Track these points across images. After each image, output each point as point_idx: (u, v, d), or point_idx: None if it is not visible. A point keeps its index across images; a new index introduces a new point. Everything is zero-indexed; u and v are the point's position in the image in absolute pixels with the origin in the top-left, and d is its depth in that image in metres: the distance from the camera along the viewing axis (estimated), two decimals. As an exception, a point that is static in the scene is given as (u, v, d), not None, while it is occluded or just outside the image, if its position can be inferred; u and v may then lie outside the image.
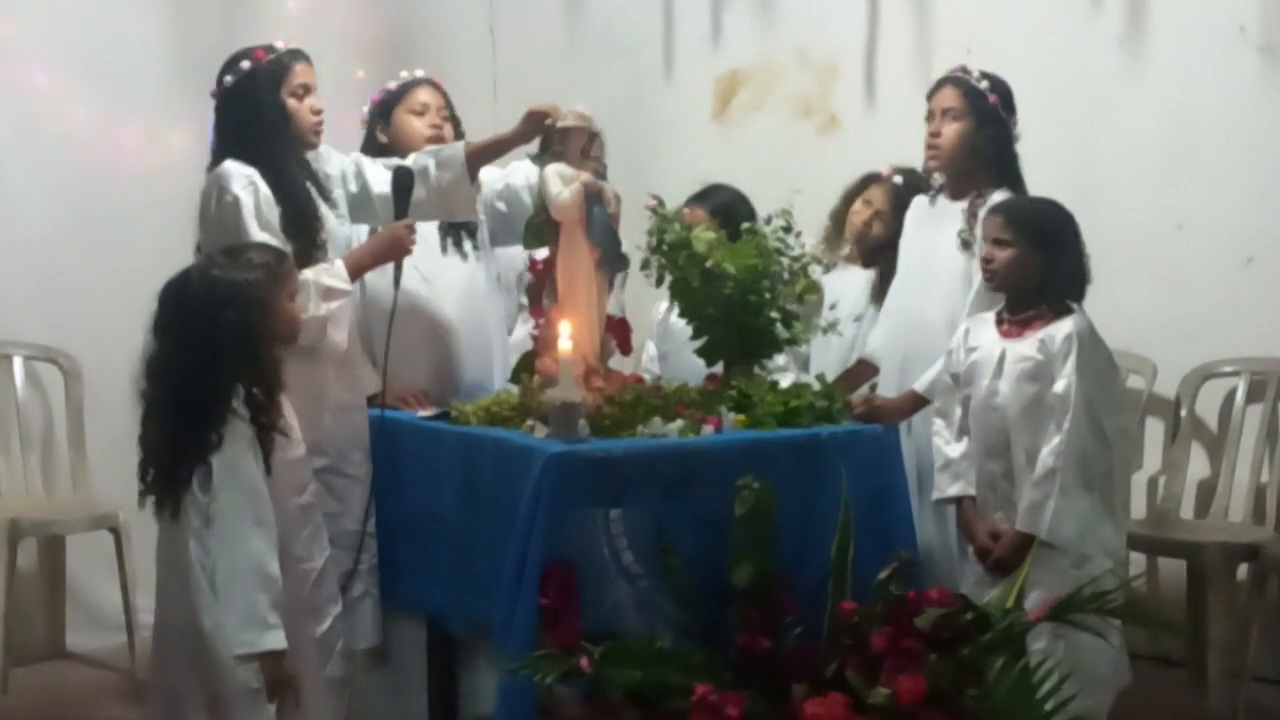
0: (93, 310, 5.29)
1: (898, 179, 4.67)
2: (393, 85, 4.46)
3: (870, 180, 4.76)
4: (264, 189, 3.88)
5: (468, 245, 4.42)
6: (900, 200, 4.55)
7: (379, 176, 4.20)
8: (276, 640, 3.17)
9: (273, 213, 3.89)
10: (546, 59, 6.37)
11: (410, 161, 4.19)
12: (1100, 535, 3.71)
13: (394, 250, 4.03)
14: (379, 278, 4.18)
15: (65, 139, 5.46)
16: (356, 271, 4.00)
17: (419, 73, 4.49)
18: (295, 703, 3.28)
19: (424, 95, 4.41)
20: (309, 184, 4.05)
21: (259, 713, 3.19)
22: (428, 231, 4.32)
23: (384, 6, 6.37)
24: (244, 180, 3.88)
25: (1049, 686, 3.26)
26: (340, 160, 4.22)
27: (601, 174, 3.95)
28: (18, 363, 5.36)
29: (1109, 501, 3.74)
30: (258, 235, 3.82)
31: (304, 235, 3.93)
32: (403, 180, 4.11)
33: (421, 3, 6.46)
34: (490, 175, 4.48)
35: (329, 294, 3.88)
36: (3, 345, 5.33)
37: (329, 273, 3.92)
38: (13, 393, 5.34)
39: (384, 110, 4.43)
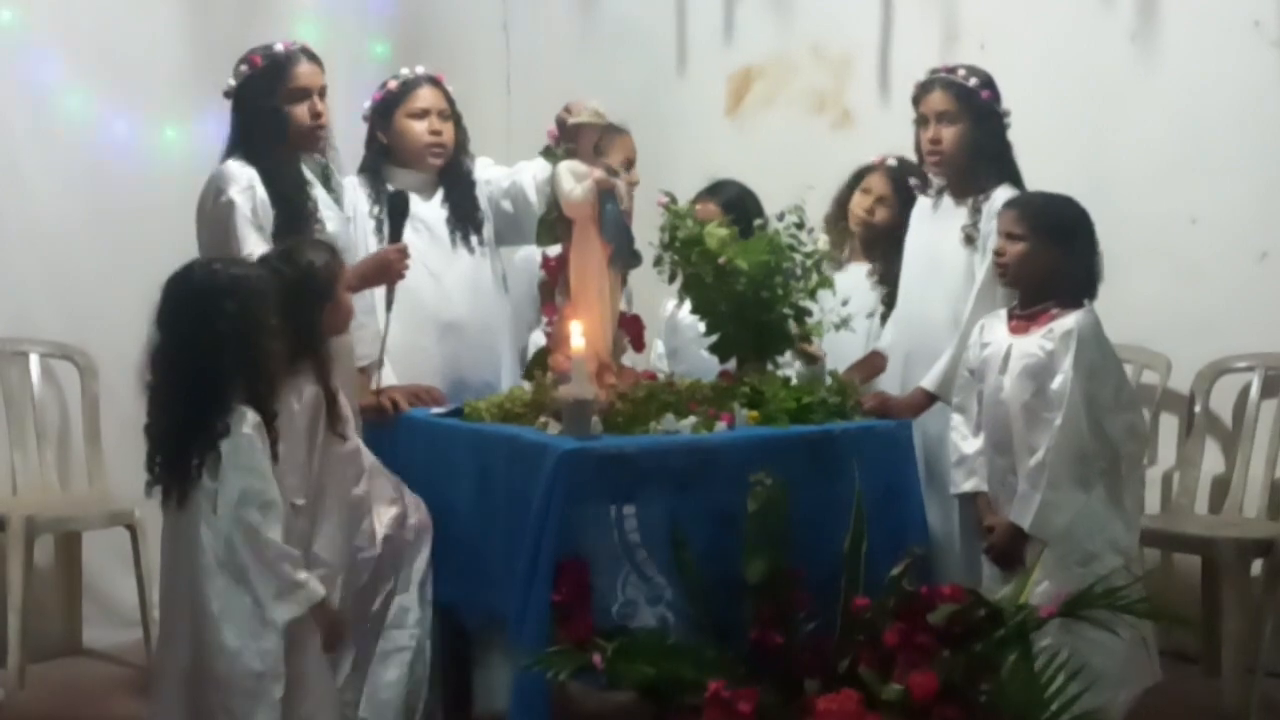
0: (108, 307, 5.29)
1: (892, 161, 4.65)
2: (393, 84, 4.37)
3: (864, 172, 4.75)
4: (261, 193, 3.90)
5: (474, 240, 4.40)
6: (898, 183, 4.54)
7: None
8: (314, 591, 3.28)
9: (267, 217, 3.90)
10: (559, 55, 6.37)
11: None
12: (1110, 533, 3.71)
13: (383, 274, 4.03)
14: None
15: (80, 135, 5.45)
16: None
17: (419, 69, 4.40)
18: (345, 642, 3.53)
19: (424, 98, 4.33)
20: (310, 188, 4.04)
21: (264, 696, 3.21)
22: (438, 226, 4.31)
23: (397, 2, 6.37)
24: (243, 183, 3.90)
25: (1061, 682, 3.26)
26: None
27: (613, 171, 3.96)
28: (34, 360, 5.36)
29: (1116, 499, 3.75)
30: (250, 239, 3.84)
31: None
32: (398, 205, 4.11)
33: (435, -1, 6.48)
34: (496, 174, 4.48)
35: None
36: (19, 342, 5.34)
37: None
38: (29, 389, 5.34)
39: (385, 111, 4.36)
